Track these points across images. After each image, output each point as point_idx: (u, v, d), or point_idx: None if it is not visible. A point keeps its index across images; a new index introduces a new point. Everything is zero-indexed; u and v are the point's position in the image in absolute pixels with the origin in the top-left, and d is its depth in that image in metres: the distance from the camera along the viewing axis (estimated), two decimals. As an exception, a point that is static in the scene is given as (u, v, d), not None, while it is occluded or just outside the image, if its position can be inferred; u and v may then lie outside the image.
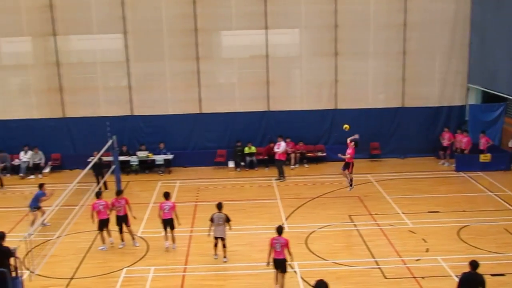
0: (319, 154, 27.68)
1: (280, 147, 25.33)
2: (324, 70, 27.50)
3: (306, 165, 27.38)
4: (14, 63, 28.43)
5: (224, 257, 16.96)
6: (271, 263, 14.76)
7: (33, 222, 19.10)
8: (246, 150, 27.21)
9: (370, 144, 27.85)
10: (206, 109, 27.75)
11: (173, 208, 17.77)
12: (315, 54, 27.57)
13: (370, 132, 27.48)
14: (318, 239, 18.46)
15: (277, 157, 25.36)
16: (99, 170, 23.96)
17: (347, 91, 27.73)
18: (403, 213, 20.70)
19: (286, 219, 20.32)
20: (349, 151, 22.05)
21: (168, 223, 17.74)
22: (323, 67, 27.46)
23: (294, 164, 27.22)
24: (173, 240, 18.04)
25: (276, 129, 27.27)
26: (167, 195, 17.96)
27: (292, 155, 27.14)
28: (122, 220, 18.22)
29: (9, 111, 27.80)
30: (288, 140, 26.77)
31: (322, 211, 21.12)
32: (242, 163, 27.31)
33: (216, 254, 17.05)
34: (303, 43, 27.78)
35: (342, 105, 27.74)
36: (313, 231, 19.07)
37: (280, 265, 14.72)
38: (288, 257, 14.78)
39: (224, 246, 16.94)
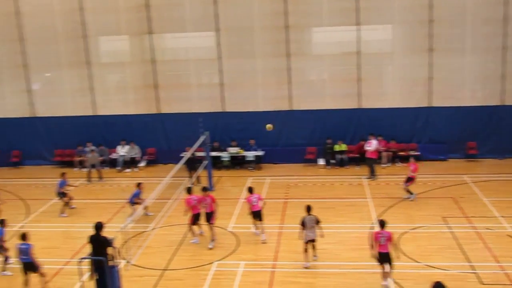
0: (412, 152, 26.99)
1: (372, 145, 24.92)
2: (417, 67, 26.77)
3: (398, 164, 26.81)
4: (112, 61, 29.71)
5: (315, 255, 16.80)
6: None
7: (131, 215, 19.83)
8: (337, 147, 26.99)
9: (466, 143, 26.90)
10: (296, 106, 27.74)
11: (260, 198, 18.42)
12: (408, 50, 26.91)
13: (467, 131, 26.62)
14: (410, 241, 18.01)
15: (368, 155, 24.98)
16: (192, 165, 24.48)
17: (441, 88, 26.85)
18: (501, 216, 19.78)
19: (377, 218, 19.98)
20: (412, 167, 21.68)
21: (257, 215, 18.31)
22: (417, 63, 26.74)
23: (386, 163, 26.72)
24: (262, 231, 18.40)
25: (368, 126, 26.85)
26: (251, 189, 18.69)
27: (384, 154, 26.66)
28: (208, 216, 18.26)
29: (108, 106, 29.03)
30: (379, 138, 26.30)
31: (415, 212, 20.60)
32: (332, 161, 27.10)
33: (307, 262, 16.41)
34: (396, 39, 27.20)
35: (436, 103, 26.91)
36: (405, 232, 18.62)
37: (386, 259, 14.63)
38: (392, 251, 14.63)
39: (314, 247, 16.75)
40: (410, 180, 21.70)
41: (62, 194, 21.76)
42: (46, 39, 28.51)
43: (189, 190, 18.79)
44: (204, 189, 18.58)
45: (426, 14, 26.03)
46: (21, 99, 29.39)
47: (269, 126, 22.23)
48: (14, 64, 28.98)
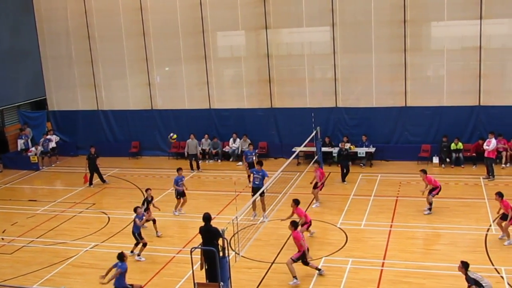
0: (536, 153, 25.56)
1: (491, 144, 23.80)
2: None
3: (519, 165, 25.49)
4: (228, 56, 30.42)
5: None
6: None
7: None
8: (453, 146, 26.02)
9: None
10: (411, 102, 27.01)
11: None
12: (535, 45, 25.44)
13: None
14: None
15: (486, 154, 23.89)
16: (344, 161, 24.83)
17: None
18: None
19: (494, 220, 19.06)
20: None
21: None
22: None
23: (506, 163, 25.44)
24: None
25: (487, 125, 25.66)
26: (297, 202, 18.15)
27: (504, 153, 25.39)
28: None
29: (222, 100, 29.77)
30: (500, 137, 25.08)
31: (536, 216, 19.45)
32: (448, 160, 26.18)
33: None
34: (522, 33, 25.77)
35: None
36: (526, 236, 17.67)
37: None
38: None
39: None
40: None
41: (180, 194, 21.58)
42: (167, 34, 29.67)
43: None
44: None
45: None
46: (142, 92, 30.84)
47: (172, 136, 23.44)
48: (137, 58, 30.43)
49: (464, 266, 13.11)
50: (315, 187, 21.45)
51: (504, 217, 17.47)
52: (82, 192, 25.39)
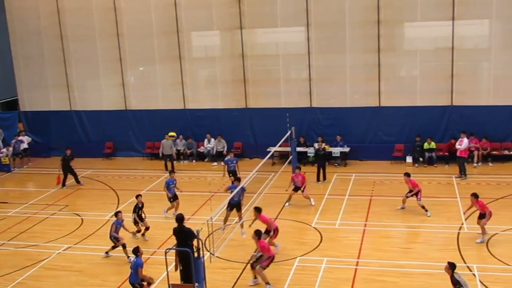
0: (506, 152, 25.89)
1: (463, 143, 24.08)
2: (515, 63, 25.63)
3: (490, 164, 25.79)
4: (203, 56, 30.34)
5: None
6: None
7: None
8: (426, 145, 26.27)
9: None
10: (385, 103, 27.22)
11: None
12: (506, 46, 25.71)
13: None
14: (501, 243, 17.33)
15: (458, 154, 24.16)
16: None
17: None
18: None
19: (466, 219, 19.30)
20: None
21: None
22: (515, 60, 25.60)
23: (477, 162, 25.77)
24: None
25: (459, 124, 25.96)
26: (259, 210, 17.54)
27: (476, 153, 25.72)
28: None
29: (197, 100, 29.68)
30: (472, 136, 25.41)
31: (507, 213, 19.71)
32: (421, 159, 26.45)
33: None
34: (494, 34, 26.04)
35: (536, 101, 25.66)
36: (496, 234, 17.91)
37: None
38: None
39: None
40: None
41: (173, 197, 21.03)
42: (141, 34, 29.46)
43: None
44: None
45: (526, 8, 24.85)
46: (116, 92, 30.58)
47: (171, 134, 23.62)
48: (111, 58, 30.17)
49: (451, 267, 13.03)
50: (298, 190, 21.40)
51: (481, 216, 17.65)
52: (55, 193, 25.10)
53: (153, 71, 30.04)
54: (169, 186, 20.93)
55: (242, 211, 19.16)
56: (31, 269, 17.33)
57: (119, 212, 18.02)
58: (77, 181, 26.05)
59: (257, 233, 15.30)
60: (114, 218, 18.08)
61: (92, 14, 29.85)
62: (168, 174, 22.76)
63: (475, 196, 17.72)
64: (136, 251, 14.75)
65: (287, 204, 21.55)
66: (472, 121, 25.99)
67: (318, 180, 24.48)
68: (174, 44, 29.07)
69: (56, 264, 17.66)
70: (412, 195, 20.15)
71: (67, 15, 30.29)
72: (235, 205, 18.97)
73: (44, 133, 32.03)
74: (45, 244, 19.24)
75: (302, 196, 21.21)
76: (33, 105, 32.04)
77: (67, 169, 25.77)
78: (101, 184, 26.11)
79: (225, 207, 18.60)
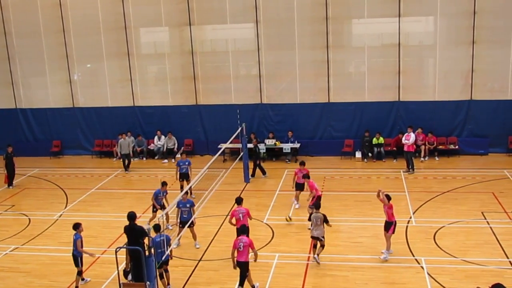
0: (451, 146, 26.57)
1: (410, 138, 24.57)
2: (459, 59, 26.19)
3: (437, 158, 26.42)
4: (152, 52, 30.02)
5: (317, 255, 16.07)
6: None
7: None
8: (374, 140, 26.71)
9: (508, 137, 26.28)
10: (334, 99, 27.53)
11: (248, 215, 16.77)
12: (450, 42, 26.36)
13: (509, 125, 25.96)
14: (447, 235, 17.77)
15: (406, 148, 24.65)
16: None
17: (484, 81, 26.28)
18: (542, 212, 19.33)
19: (414, 212, 19.73)
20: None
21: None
22: (459, 56, 26.16)
23: (424, 157, 26.35)
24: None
25: (406, 119, 26.52)
26: (239, 201, 17.01)
27: (422, 147, 26.29)
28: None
29: (146, 97, 29.39)
30: (418, 131, 25.96)
31: (453, 206, 20.26)
32: (370, 154, 26.87)
33: (315, 256, 16.06)
34: (438, 31, 26.63)
35: (478, 96, 26.31)
36: (443, 226, 18.36)
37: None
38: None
39: (322, 246, 16.14)
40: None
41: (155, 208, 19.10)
42: (88, 30, 28.95)
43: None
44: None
45: (470, 5, 25.41)
46: (63, 90, 29.95)
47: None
48: (56, 55, 29.53)
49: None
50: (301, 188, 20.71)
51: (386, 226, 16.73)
52: (0, 193, 24.44)
53: (101, 68, 29.56)
54: (157, 197, 18.95)
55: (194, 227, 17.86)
56: (-23, 272, 16.86)
57: (79, 224, 15.56)
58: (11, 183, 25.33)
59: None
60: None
61: (37, 9, 29.11)
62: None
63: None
64: (158, 228, 14.33)
65: (297, 206, 20.76)
66: (418, 116, 26.56)
67: (252, 175, 24.62)
68: (122, 40, 28.66)
69: (2, 266, 17.19)
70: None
71: (10, 11, 29.49)
72: (185, 222, 17.35)
73: (-13, 132, 31.14)
74: (-10, 246, 18.73)
75: (254, 192, 21.08)
76: (-25, 103, 31.13)
77: (11, 167, 25.13)
78: (49, 183, 25.56)
79: (177, 224, 17.63)
